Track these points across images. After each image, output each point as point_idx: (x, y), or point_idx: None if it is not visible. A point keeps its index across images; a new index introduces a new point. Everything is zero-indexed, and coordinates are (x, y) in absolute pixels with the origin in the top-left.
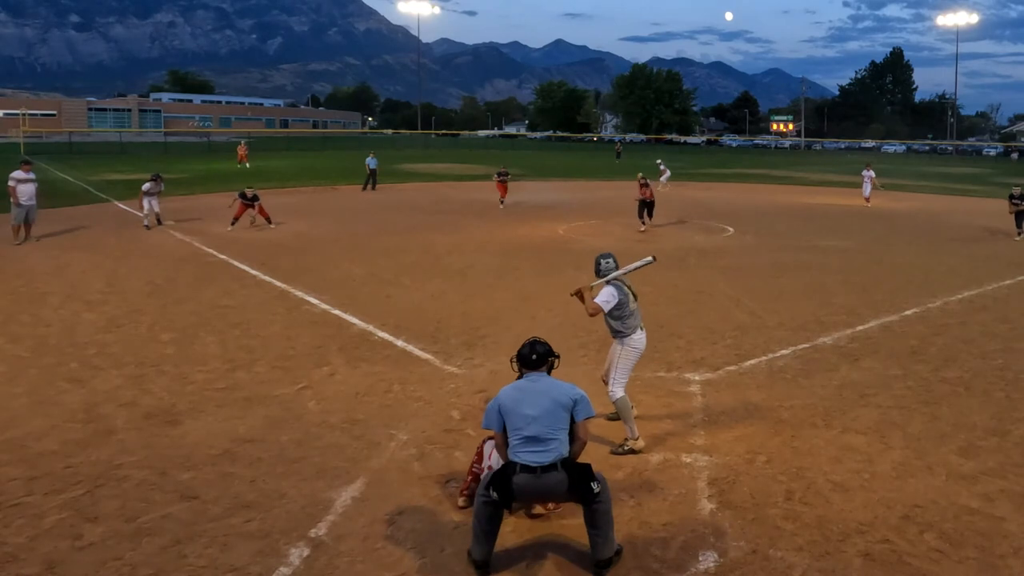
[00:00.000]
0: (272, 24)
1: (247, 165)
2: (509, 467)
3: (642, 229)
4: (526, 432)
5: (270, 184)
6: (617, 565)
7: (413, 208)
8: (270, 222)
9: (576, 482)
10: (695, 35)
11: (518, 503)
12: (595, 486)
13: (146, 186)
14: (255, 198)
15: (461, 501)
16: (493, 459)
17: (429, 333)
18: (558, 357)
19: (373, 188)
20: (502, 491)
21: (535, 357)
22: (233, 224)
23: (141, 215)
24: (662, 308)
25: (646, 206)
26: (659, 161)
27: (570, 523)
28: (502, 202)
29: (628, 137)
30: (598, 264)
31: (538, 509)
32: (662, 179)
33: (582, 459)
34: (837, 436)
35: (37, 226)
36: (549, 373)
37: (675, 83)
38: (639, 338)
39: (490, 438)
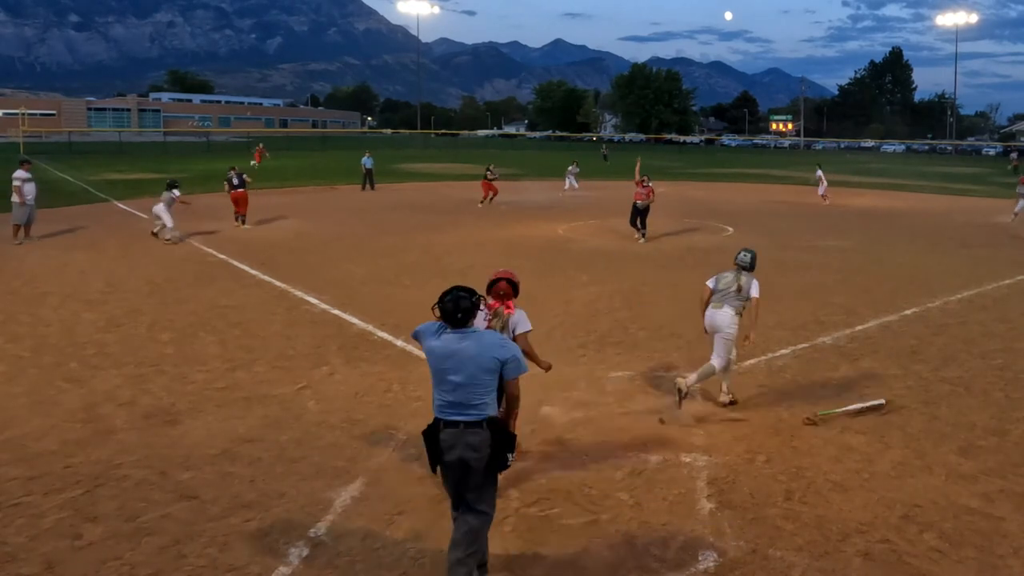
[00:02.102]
0: (272, 24)
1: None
2: (435, 424)
3: (636, 238)
4: (450, 397)
5: (270, 184)
6: (618, 564)
7: (412, 208)
8: (244, 222)
9: (497, 444)
10: (694, 35)
11: (447, 465)
12: (509, 457)
13: (175, 193)
14: (242, 183)
15: None
16: None
17: None
18: (482, 298)
19: (372, 187)
20: (431, 449)
21: (460, 316)
22: (237, 220)
23: (167, 228)
24: (662, 308)
25: (639, 212)
26: (574, 163)
27: (570, 523)
28: (482, 202)
29: (628, 136)
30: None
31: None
32: (566, 186)
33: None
34: (836, 436)
35: (37, 226)
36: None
37: (674, 83)
38: (709, 313)
39: None
